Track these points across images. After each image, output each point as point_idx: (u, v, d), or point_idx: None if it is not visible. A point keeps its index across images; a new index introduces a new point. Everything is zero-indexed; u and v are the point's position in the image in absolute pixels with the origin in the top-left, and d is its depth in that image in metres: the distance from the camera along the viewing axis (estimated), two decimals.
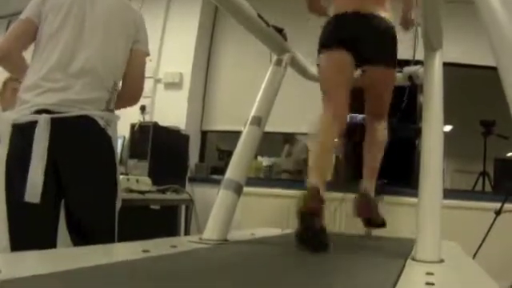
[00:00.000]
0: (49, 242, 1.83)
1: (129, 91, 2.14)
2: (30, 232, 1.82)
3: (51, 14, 1.95)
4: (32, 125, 1.82)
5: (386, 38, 2.17)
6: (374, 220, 2.39)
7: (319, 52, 2.21)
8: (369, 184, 2.37)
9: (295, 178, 5.13)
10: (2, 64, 2.02)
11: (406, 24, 2.42)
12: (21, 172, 1.81)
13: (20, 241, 1.79)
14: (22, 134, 1.85)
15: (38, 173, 1.81)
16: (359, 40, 2.11)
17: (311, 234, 1.72)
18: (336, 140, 2.15)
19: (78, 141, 1.90)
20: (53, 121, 1.84)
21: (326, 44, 2.19)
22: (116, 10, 2.08)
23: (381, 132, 2.39)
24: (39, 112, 1.85)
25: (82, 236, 1.92)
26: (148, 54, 2.18)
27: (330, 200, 3.75)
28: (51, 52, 1.93)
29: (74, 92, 1.91)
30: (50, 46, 1.93)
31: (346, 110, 2.13)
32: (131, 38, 2.10)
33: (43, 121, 1.83)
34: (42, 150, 1.82)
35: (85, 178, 1.91)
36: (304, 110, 4.32)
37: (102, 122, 1.94)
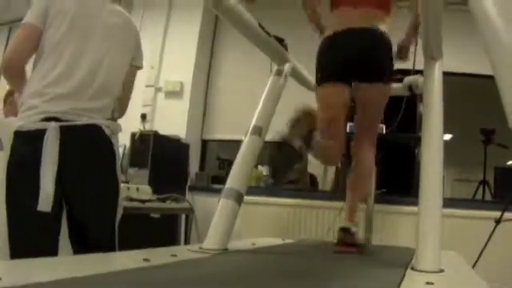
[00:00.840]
0: (50, 250, 1.82)
1: (120, 104, 2.16)
2: (32, 240, 1.82)
3: (56, 21, 1.95)
4: (39, 132, 1.82)
5: (382, 56, 2.16)
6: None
7: (317, 82, 2.27)
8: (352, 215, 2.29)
9: (296, 187, 5.13)
10: (7, 74, 2.01)
11: (405, 51, 2.39)
12: (26, 180, 1.81)
13: (21, 248, 1.79)
14: (28, 141, 1.84)
15: (49, 181, 1.81)
16: (355, 63, 2.12)
17: None
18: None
19: (86, 150, 1.91)
20: (61, 129, 1.85)
21: (322, 78, 2.23)
22: (119, 23, 2.11)
23: (368, 162, 2.33)
24: (48, 119, 1.85)
25: (82, 244, 1.92)
26: (141, 68, 2.25)
27: (329, 209, 3.76)
28: (57, 60, 1.93)
29: (83, 100, 1.92)
30: (55, 53, 1.93)
31: (344, 139, 2.25)
32: (131, 53, 2.16)
33: (53, 129, 1.83)
34: (53, 159, 1.82)
35: (90, 186, 1.91)
36: None
37: (108, 131, 1.96)
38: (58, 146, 1.83)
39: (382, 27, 2.17)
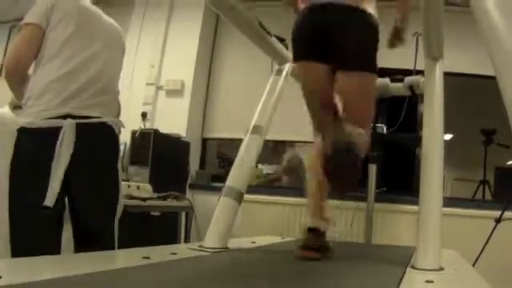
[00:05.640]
0: (52, 248, 1.82)
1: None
2: (34, 237, 1.81)
3: (60, 23, 1.94)
4: (51, 130, 1.81)
5: (364, 38, 1.81)
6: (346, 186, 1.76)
7: (293, 59, 1.98)
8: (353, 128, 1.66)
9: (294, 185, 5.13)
10: (13, 77, 1.96)
11: (398, 35, 2.00)
12: (31, 177, 1.81)
13: (23, 246, 1.79)
14: (37, 139, 1.83)
15: (59, 178, 1.81)
16: (331, 43, 1.79)
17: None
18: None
19: (97, 148, 1.92)
20: (77, 126, 1.85)
21: (297, 54, 1.93)
22: (114, 30, 2.16)
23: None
24: (63, 117, 1.84)
25: (84, 240, 1.92)
26: None
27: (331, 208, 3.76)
28: (64, 60, 1.92)
29: (90, 96, 1.93)
30: (61, 54, 1.92)
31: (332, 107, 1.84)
32: (123, 56, 2.22)
33: (68, 126, 1.83)
34: (66, 156, 1.82)
35: (94, 184, 1.91)
36: (300, 117, 4.33)
37: (116, 129, 1.99)
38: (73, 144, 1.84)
39: (368, 6, 1.81)
